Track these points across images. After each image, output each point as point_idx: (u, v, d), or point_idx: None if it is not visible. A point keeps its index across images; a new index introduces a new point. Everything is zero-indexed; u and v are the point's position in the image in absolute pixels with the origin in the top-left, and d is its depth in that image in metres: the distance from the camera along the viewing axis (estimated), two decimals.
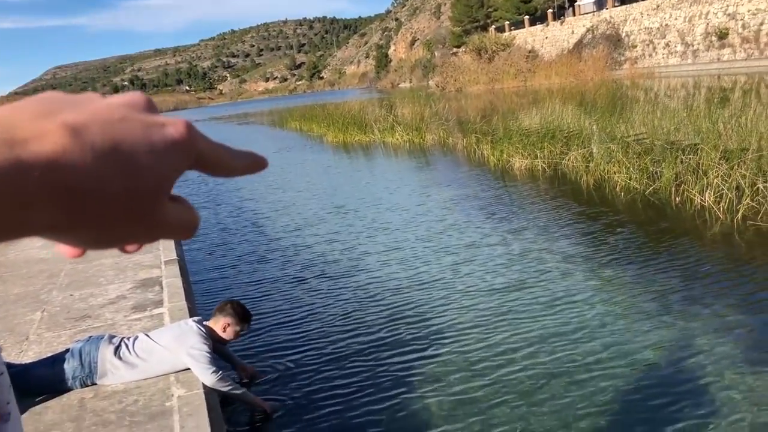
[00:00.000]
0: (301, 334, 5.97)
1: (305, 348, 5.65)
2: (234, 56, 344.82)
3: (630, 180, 10.56)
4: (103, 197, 0.35)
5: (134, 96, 0.41)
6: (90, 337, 4.07)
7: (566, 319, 5.73)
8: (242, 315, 4.36)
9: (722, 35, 42.65)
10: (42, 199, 0.33)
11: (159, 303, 5.43)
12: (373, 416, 4.39)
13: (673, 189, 9.60)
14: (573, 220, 9.24)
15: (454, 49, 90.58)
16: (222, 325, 4.26)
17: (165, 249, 7.12)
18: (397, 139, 22.62)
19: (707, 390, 4.35)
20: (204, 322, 4.24)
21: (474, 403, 4.43)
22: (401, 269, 7.66)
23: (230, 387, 4.09)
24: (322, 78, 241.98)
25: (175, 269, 6.30)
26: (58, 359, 3.89)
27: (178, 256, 6.85)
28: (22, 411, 3.62)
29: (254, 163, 0.46)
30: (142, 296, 5.64)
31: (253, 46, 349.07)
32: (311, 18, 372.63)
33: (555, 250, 7.77)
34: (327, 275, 7.73)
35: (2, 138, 0.32)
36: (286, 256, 8.77)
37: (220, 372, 4.08)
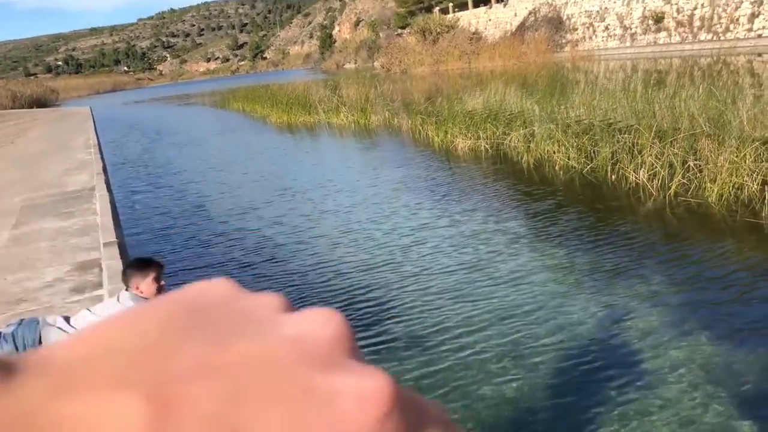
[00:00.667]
0: None
1: None
2: (174, 36, 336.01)
3: (569, 159, 10.84)
4: None
5: (326, 318, 0.26)
6: (22, 320, 3.96)
7: (508, 298, 5.88)
8: (141, 265, 4.24)
9: (658, 19, 43.89)
10: None
11: (98, 285, 5.32)
12: None
13: (609, 167, 9.90)
14: (515, 199, 9.45)
15: (399, 31, 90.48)
16: (135, 285, 4.19)
17: (104, 231, 6.97)
18: (342, 120, 22.55)
19: (644, 360, 4.56)
20: (134, 291, 4.18)
21: (429, 387, 4.52)
22: (351, 252, 7.68)
23: None
24: (265, 59, 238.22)
25: (115, 251, 6.18)
26: None
27: (117, 238, 6.71)
28: None
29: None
30: (81, 278, 5.52)
31: (194, 25, 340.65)
32: None
33: (499, 230, 7.94)
34: (275, 259, 7.69)
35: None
36: (231, 240, 8.67)
37: None
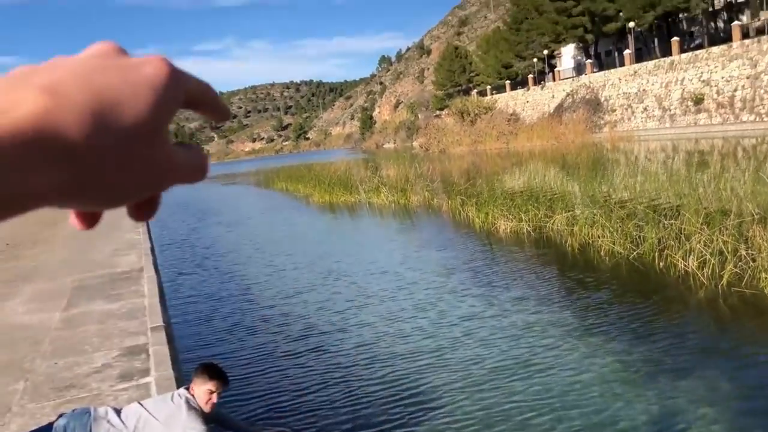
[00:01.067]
0: (292, 406, 5.87)
1: (296, 419, 5.56)
2: None
3: (614, 244, 10.69)
4: (100, 148, 0.35)
5: (102, 45, 0.40)
6: (74, 410, 3.99)
7: (551, 386, 5.71)
8: (212, 374, 4.25)
9: (698, 101, 43.97)
10: (38, 162, 0.33)
11: (145, 372, 5.35)
12: None
13: (656, 254, 9.72)
14: (562, 287, 9.29)
15: (437, 112, 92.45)
16: (198, 390, 4.19)
17: (151, 314, 7.06)
18: (383, 200, 22.82)
19: None
20: (189, 390, 4.18)
21: None
22: (398, 342, 7.41)
23: None
24: (308, 139, 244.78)
25: (162, 336, 6.23)
26: None
27: (164, 322, 6.78)
28: None
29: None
30: (129, 364, 5.55)
31: (241, 107, 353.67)
32: (298, 81, 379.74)
33: (549, 322, 7.77)
34: (320, 349, 7.41)
35: None
36: (276, 327, 8.49)
37: None
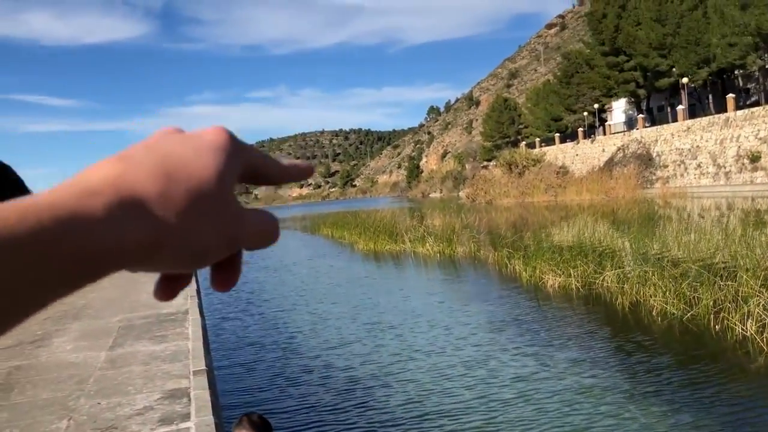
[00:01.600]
0: None
1: None
2: None
3: (666, 304, 10.33)
4: (173, 202, 0.39)
5: (165, 128, 0.45)
6: None
7: None
8: (259, 427, 4.20)
9: (754, 158, 42.91)
10: (121, 218, 0.37)
11: (186, 416, 5.32)
12: None
13: (711, 316, 9.34)
14: (611, 346, 8.99)
15: (485, 163, 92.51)
16: None
17: (194, 357, 7.08)
18: (428, 250, 22.69)
19: None
20: None
21: None
22: (445, 402, 7.14)
23: None
24: (354, 186, 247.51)
25: (204, 380, 6.21)
26: None
27: (207, 366, 6.77)
28: None
29: (302, 170, 0.49)
30: (170, 408, 5.54)
31: (290, 153, 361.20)
32: (347, 129, 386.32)
33: (596, 382, 7.51)
34: (363, 404, 7.15)
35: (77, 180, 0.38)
36: (319, 378, 8.33)
37: None
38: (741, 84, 61.74)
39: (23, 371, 7.04)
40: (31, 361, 7.48)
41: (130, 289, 12.55)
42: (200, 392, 5.93)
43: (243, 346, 10.44)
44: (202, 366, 6.79)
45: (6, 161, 1.82)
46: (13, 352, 8.01)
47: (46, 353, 7.77)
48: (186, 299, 10.77)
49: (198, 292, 11.77)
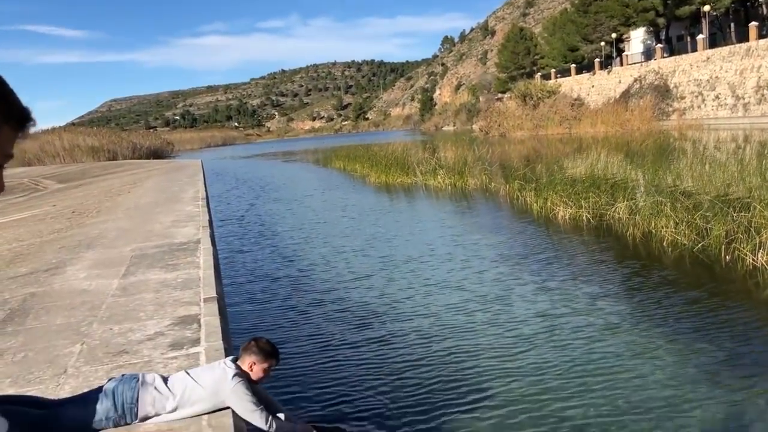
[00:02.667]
0: (342, 396, 5.73)
1: (344, 410, 5.47)
2: (283, 95, 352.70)
3: (678, 235, 10.28)
4: None
5: None
6: (123, 375, 4.06)
7: (610, 384, 5.52)
8: (267, 352, 4.26)
9: None
10: None
11: (196, 341, 5.41)
12: None
13: (723, 247, 9.29)
14: (620, 276, 9.00)
15: (499, 95, 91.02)
16: (248, 364, 4.20)
17: (205, 285, 7.16)
18: (440, 183, 22.61)
19: None
20: (236, 362, 4.21)
21: None
22: (464, 340, 7.00)
23: (270, 423, 4.08)
24: (367, 119, 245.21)
25: (214, 308, 6.30)
26: (90, 399, 3.87)
27: (217, 294, 6.86)
28: None
29: None
30: (180, 333, 5.63)
31: (302, 86, 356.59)
32: (359, 61, 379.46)
33: (601, 312, 7.54)
34: (376, 341, 7.05)
35: None
36: (330, 312, 8.27)
37: (261, 407, 4.08)
38: (765, 12, 59.58)
39: (38, 298, 7.18)
40: (45, 289, 7.61)
41: (143, 220, 12.65)
42: (210, 318, 6.02)
43: (255, 278, 10.49)
44: (213, 294, 6.87)
45: (21, 95, 1.74)
46: (28, 279, 8.15)
47: (60, 281, 7.90)
48: (198, 229, 10.84)
49: (210, 222, 11.83)
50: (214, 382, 3.99)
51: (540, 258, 10.41)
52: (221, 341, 5.34)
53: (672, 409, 4.93)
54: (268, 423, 4.10)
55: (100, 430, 3.82)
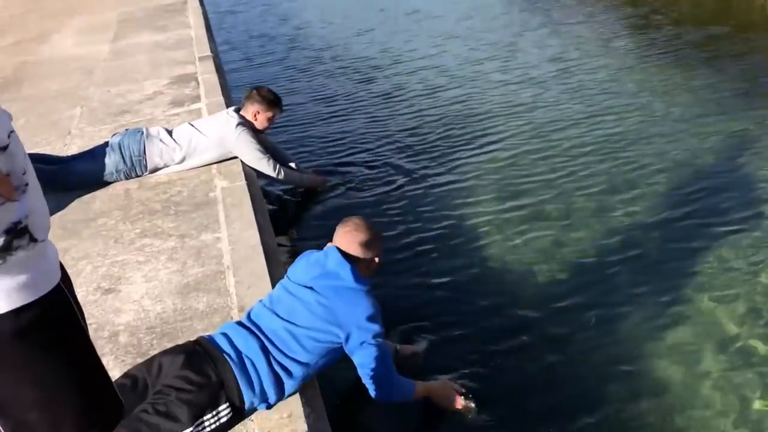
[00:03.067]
0: (350, 143, 5.65)
1: (356, 155, 5.41)
2: None
3: None
4: None
5: None
6: (127, 130, 4.03)
7: (622, 119, 5.50)
8: (270, 100, 4.18)
9: None
10: None
11: (196, 98, 5.33)
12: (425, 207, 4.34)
13: None
14: (635, 15, 8.57)
15: None
16: (252, 112, 4.13)
17: (198, 44, 6.90)
18: None
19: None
20: (239, 112, 4.14)
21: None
22: (466, 84, 6.90)
23: (278, 170, 4.15)
24: None
25: (210, 65, 6.12)
26: (98, 154, 3.88)
27: (212, 51, 6.63)
28: (68, 203, 3.69)
29: None
30: (179, 92, 5.53)
31: None
32: None
33: (617, 51, 7.28)
34: (381, 93, 6.75)
35: None
36: (332, 67, 7.83)
37: (268, 155, 4.12)
38: None
39: (30, 66, 6.97)
40: (36, 57, 7.36)
41: None
42: (208, 76, 5.86)
43: (249, 38, 9.88)
44: (207, 52, 6.63)
45: None
46: (16, 48, 7.85)
47: (49, 49, 7.61)
48: None
49: None
50: (218, 130, 3.96)
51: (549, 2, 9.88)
52: (221, 97, 5.25)
53: (681, 141, 4.96)
54: (276, 170, 4.14)
55: (113, 182, 3.89)
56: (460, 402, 2.60)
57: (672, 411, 2.63)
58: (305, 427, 2.09)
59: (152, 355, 2.21)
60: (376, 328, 2.25)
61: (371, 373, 2.25)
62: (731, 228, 3.78)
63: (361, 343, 2.22)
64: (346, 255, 2.34)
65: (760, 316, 3.08)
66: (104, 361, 2.41)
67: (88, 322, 2.65)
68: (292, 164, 4.54)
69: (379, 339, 2.25)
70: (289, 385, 2.12)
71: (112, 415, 0.77)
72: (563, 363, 2.92)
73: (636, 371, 2.85)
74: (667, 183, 4.36)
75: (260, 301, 2.39)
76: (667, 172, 4.48)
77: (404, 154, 5.21)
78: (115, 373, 2.27)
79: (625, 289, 3.37)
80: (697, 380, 2.76)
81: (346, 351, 2.26)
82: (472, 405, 2.62)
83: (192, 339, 2.26)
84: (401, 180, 4.73)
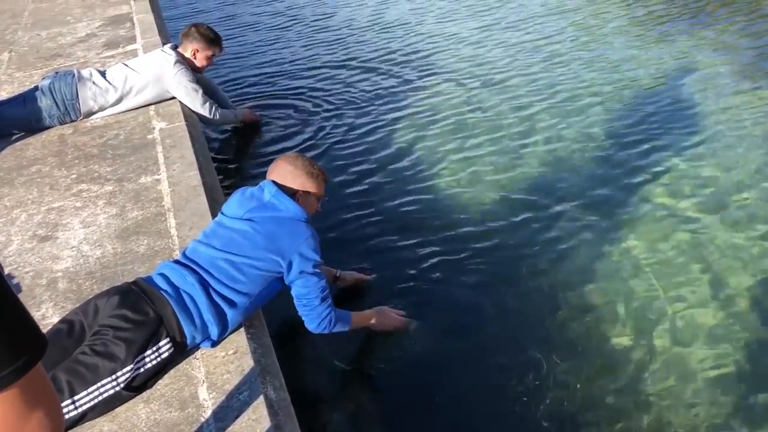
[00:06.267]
0: (290, 71, 5.59)
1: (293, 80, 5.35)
2: None
3: None
4: None
5: None
6: (57, 73, 3.85)
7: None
8: (210, 38, 4.04)
9: None
10: None
11: (132, 39, 5.12)
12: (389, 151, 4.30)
13: None
14: None
15: None
16: (191, 50, 4.00)
17: None
18: None
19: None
20: (176, 50, 4.00)
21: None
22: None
23: (214, 112, 4.04)
24: None
25: (146, 4, 5.87)
26: (29, 98, 3.72)
27: None
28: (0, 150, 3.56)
29: None
30: (114, 33, 5.31)
31: None
32: None
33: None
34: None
35: None
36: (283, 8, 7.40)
37: (206, 96, 4.01)
38: None
39: None
40: None
41: None
42: (143, 16, 5.63)
43: None
44: None
45: None
46: None
47: None
48: None
49: None
50: (155, 68, 3.83)
51: None
52: (158, 36, 5.06)
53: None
54: (212, 111, 4.01)
55: (47, 128, 3.75)
56: (400, 320, 2.67)
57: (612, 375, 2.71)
58: (251, 362, 2.10)
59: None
60: (316, 257, 2.26)
61: (309, 304, 2.28)
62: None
63: (301, 272, 2.23)
64: (282, 188, 2.33)
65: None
66: (43, 308, 2.40)
67: (24, 270, 2.62)
68: (231, 106, 4.45)
69: (317, 269, 2.27)
70: (231, 316, 2.12)
71: (33, 350, 0.75)
72: (511, 296, 2.97)
73: (579, 304, 2.94)
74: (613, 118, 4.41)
75: (194, 239, 2.36)
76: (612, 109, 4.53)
77: (347, 90, 5.13)
78: (54, 320, 2.24)
79: (569, 228, 3.43)
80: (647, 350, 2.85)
81: (286, 282, 2.27)
82: (413, 322, 2.71)
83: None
84: (348, 116, 4.67)
